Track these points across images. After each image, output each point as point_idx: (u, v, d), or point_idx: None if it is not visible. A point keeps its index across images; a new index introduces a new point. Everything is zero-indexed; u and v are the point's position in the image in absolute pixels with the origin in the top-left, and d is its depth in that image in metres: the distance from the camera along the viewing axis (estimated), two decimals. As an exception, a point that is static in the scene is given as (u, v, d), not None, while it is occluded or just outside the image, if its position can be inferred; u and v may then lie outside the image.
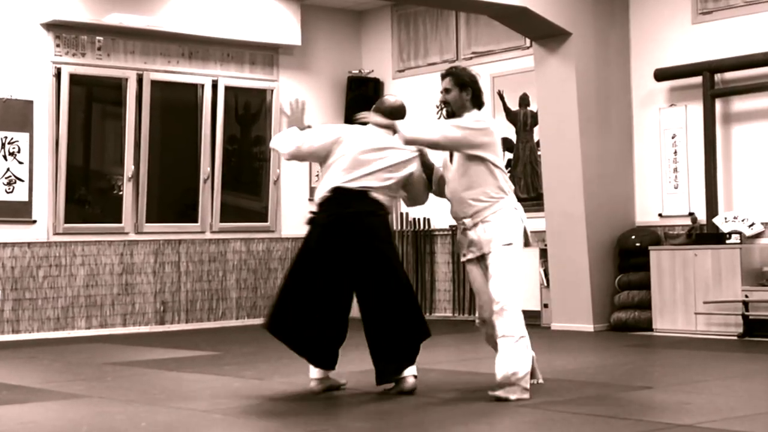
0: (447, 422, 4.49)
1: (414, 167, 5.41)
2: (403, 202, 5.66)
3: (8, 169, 9.09)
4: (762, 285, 7.95)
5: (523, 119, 9.89)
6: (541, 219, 9.29)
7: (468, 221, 5.17)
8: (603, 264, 8.88)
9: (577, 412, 4.65)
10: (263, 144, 10.61)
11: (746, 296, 7.86)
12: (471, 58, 10.33)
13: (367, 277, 5.23)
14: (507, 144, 9.98)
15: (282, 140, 5.49)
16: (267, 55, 10.65)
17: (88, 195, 9.80)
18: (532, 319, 9.37)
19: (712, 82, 8.53)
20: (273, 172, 10.58)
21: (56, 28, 9.38)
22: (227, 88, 10.31)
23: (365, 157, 5.28)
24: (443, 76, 5.32)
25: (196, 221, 10.17)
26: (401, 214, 10.85)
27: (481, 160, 5.12)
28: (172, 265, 9.94)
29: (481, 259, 5.18)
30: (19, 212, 9.12)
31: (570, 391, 5.29)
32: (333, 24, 11.18)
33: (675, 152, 8.90)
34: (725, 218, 8.28)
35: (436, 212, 10.53)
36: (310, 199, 10.19)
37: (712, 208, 8.43)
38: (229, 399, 5.25)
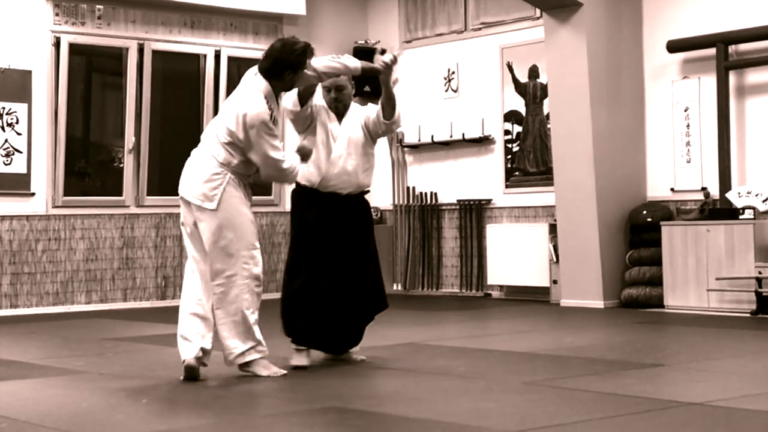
0: (454, 398, 4.40)
1: None
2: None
3: (6, 141, 8.96)
4: (776, 261, 7.83)
5: (532, 91, 9.73)
6: (550, 193, 9.17)
7: None
8: (613, 239, 8.75)
9: (587, 389, 4.58)
10: (267, 116, 10.45)
11: (759, 272, 7.75)
12: (480, 29, 10.16)
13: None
14: (516, 117, 9.84)
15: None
16: (271, 24, 10.48)
17: (88, 167, 9.70)
18: (541, 295, 9.33)
19: (725, 54, 8.39)
20: (277, 144, 10.44)
21: (56, -4, 9.24)
22: (230, 59, 10.16)
23: None
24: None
25: (198, 194, 10.03)
26: (408, 188, 10.71)
27: None
28: (174, 239, 9.81)
29: None
30: (18, 184, 9.01)
31: (579, 368, 5.23)
32: (338, -7, 11.00)
33: (688, 125, 8.75)
34: (738, 193, 8.16)
35: (443, 187, 10.40)
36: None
37: (725, 183, 8.31)
38: (233, 374, 5.16)
